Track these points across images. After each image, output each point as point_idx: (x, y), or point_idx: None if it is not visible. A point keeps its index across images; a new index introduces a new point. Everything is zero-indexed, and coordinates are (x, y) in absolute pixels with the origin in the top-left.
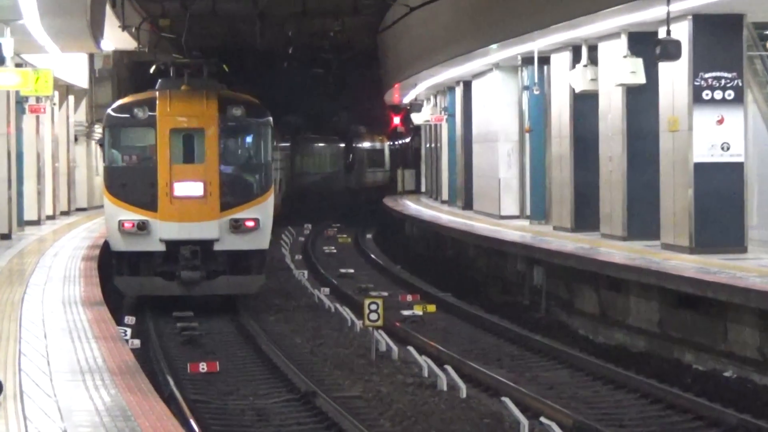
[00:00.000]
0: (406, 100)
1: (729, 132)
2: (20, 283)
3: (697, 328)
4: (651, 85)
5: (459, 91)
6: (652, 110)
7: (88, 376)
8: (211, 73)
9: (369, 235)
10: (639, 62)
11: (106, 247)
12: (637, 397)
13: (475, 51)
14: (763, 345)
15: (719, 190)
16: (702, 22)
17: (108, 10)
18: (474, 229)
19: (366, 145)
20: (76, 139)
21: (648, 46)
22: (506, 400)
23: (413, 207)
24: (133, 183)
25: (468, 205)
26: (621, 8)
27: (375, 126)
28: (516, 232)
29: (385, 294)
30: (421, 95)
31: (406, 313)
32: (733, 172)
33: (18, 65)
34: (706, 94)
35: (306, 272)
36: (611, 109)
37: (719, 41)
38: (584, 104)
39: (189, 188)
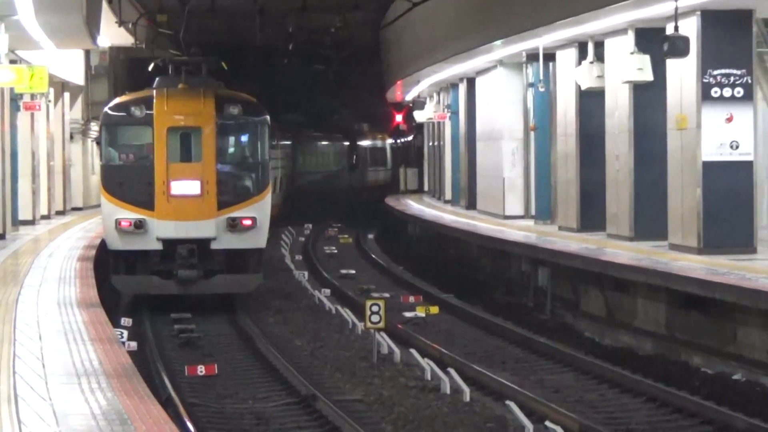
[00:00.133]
0: (409, 97)
1: (738, 130)
2: (15, 284)
3: (705, 331)
4: (658, 83)
5: (462, 89)
6: (660, 108)
7: (84, 379)
8: (210, 70)
9: (370, 236)
10: (646, 59)
11: (102, 247)
12: (644, 401)
13: (479, 47)
14: None
15: (728, 190)
16: (711, 17)
17: (104, 5)
18: (478, 229)
19: (369, 143)
20: (71, 137)
21: (655, 42)
22: (510, 403)
23: (416, 207)
24: (130, 181)
25: (471, 204)
26: (628, 4)
27: (377, 124)
28: (520, 232)
29: (387, 295)
30: (424, 92)
31: (408, 314)
32: (743, 171)
33: (13, 62)
34: (715, 92)
35: (306, 273)
36: (618, 106)
37: (728, 37)
38: (590, 102)
39: (186, 187)
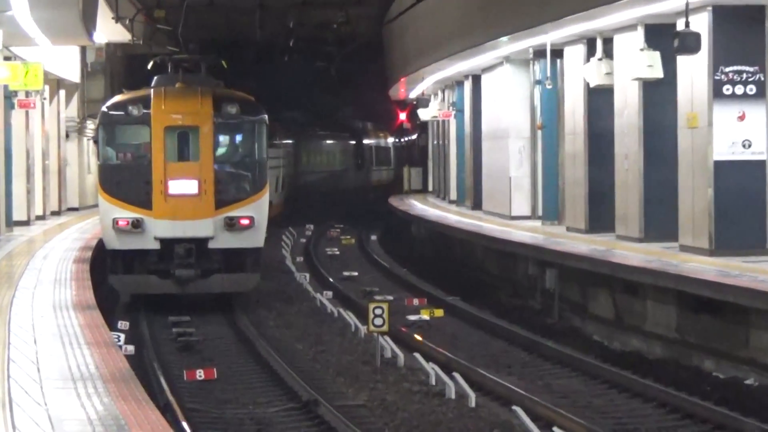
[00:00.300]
0: (413, 95)
1: (750, 128)
2: (9, 287)
3: (716, 334)
4: (669, 80)
5: (468, 86)
6: (670, 106)
7: (80, 383)
8: (209, 68)
9: (374, 237)
10: (656, 55)
11: (98, 249)
12: (654, 406)
13: (485, 43)
14: None
15: (740, 190)
16: (722, 13)
17: (101, 0)
18: (483, 230)
19: (374, 142)
20: (67, 136)
21: (666, 38)
22: (517, 409)
23: (420, 207)
24: (127, 181)
25: (477, 205)
26: None
27: (380, 122)
28: (527, 233)
29: (391, 298)
30: (429, 90)
31: (412, 317)
32: (755, 170)
33: (7, 58)
34: (727, 89)
35: (308, 275)
36: (627, 104)
37: (740, 33)
38: (599, 99)
39: (184, 186)
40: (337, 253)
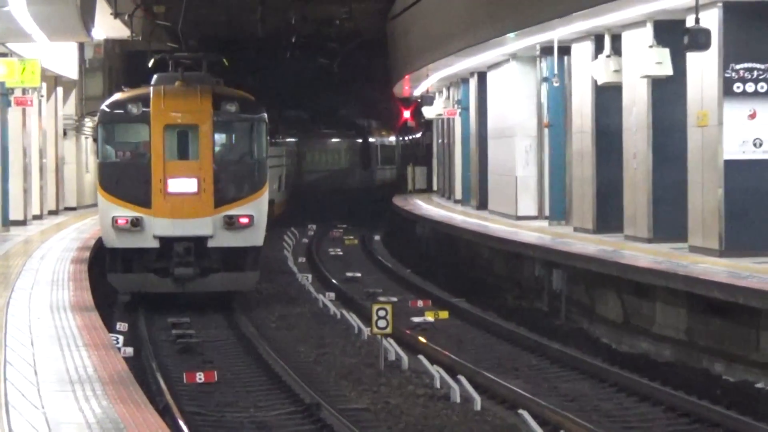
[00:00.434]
0: (417, 92)
1: (761, 127)
2: (5, 288)
3: (727, 337)
4: (678, 77)
5: (473, 83)
6: (680, 104)
7: (78, 386)
8: (210, 66)
9: (377, 237)
10: (666, 52)
11: (96, 249)
12: (664, 410)
13: (491, 40)
14: None
15: (751, 189)
16: (733, 9)
17: None
18: (489, 231)
19: (378, 140)
20: (65, 134)
21: (675, 35)
22: (523, 413)
23: (424, 207)
24: (126, 179)
25: (483, 204)
26: None
27: (384, 120)
28: (534, 233)
29: (395, 299)
30: (433, 87)
31: (416, 319)
32: (766, 170)
33: (3, 55)
34: (738, 87)
35: (310, 276)
36: (636, 102)
37: (751, 30)
38: (607, 97)
39: (183, 185)
40: (340, 253)
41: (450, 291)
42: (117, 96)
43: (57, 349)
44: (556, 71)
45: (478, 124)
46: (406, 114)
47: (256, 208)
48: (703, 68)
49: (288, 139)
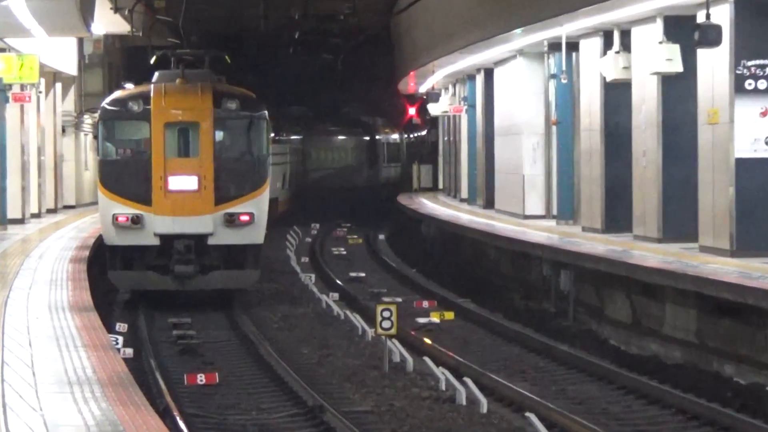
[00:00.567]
0: (423, 89)
1: None
2: (2, 287)
3: (738, 338)
4: (689, 74)
5: (480, 80)
6: (690, 101)
7: (77, 387)
8: (212, 62)
9: (382, 236)
10: (676, 49)
11: (96, 248)
12: (673, 413)
13: (498, 36)
14: None
15: (763, 188)
16: (744, 5)
17: None
18: (496, 230)
19: (383, 138)
20: (63, 131)
21: (686, 31)
22: (531, 415)
23: (430, 205)
24: (127, 177)
25: (489, 203)
26: None
27: (389, 117)
28: (541, 233)
29: (399, 300)
30: (439, 84)
31: (421, 320)
32: None
33: (1, 50)
34: (749, 84)
35: (313, 276)
36: (645, 99)
37: (763, 26)
38: (616, 94)
39: (183, 182)
40: (344, 253)
41: (456, 291)
42: (118, 93)
43: (55, 350)
44: (564, 68)
45: (485, 122)
46: (412, 111)
47: (256, 206)
48: (714, 65)
49: (292, 137)
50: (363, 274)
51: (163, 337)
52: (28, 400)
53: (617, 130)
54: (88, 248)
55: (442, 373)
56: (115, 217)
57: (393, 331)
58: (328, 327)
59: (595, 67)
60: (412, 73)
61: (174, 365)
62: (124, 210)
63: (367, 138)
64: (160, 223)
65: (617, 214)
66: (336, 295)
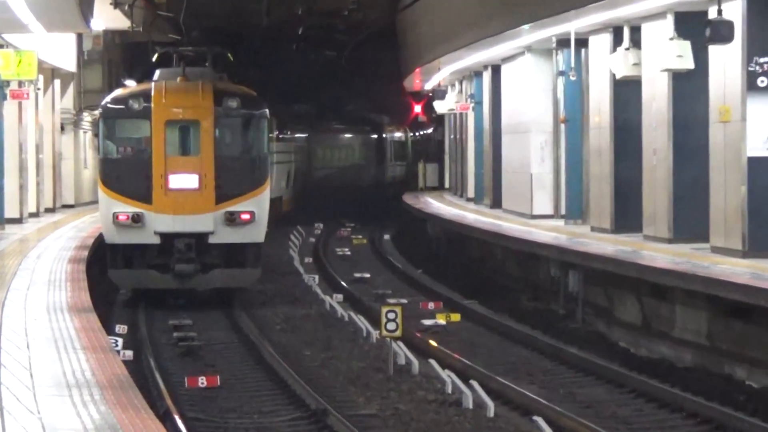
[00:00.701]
0: (428, 86)
1: None
2: (0, 288)
3: (750, 341)
4: (700, 71)
5: (487, 77)
6: (701, 98)
7: (75, 390)
8: (214, 59)
9: (386, 236)
10: (687, 45)
11: (95, 248)
12: (684, 417)
13: (505, 32)
14: None
15: None
16: (757, 0)
17: None
18: (503, 230)
19: (389, 136)
20: (62, 128)
21: (697, 27)
22: (538, 419)
23: (436, 205)
24: (128, 175)
25: (496, 203)
26: None
27: (394, 115)
28: (549, 233)
29: (405, 301)
30: (445, 81)
31: (427, 322)
32: None
33: None
34: (762, 81)
35: (317, 277)
36: (656, 97)
37: None
38: (626, 91)
39: (184, 180)
40: (348, 253)
41: (462, 292)
42: (119, 91)
43: (54, 352)
44: (572, 64)
45: (492, 120)
46: (417, 108)
47: (257, 205)
48: (726, 62)
49: (297, 135)
50: (368, 275)
51: (163, 339)
52: (26, 403)
53: (627, 128)
54: (87, 248)
55: (448, 375)
56: (115, 216)
57: (398, 333)
58: (332, 329)
59: (605, 63)
60: (417, 69)
61: (174, 368)
62: (125, 208)
63: (375, 136)
64: (160, 222)
65: (627, 214)
66: (340, 296)
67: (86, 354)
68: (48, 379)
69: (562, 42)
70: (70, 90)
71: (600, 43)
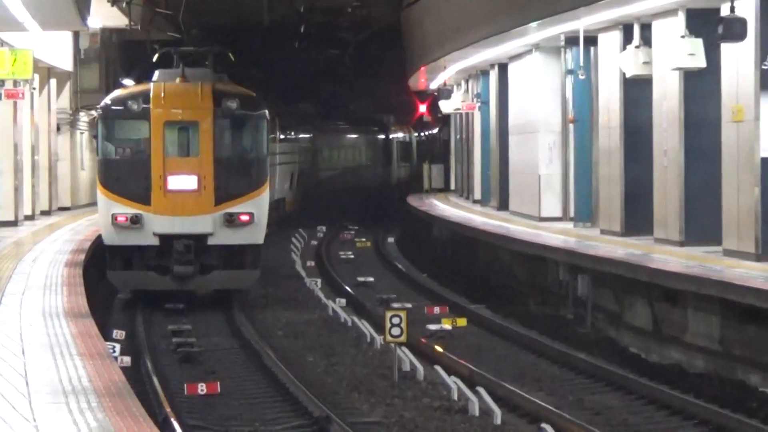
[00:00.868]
0: (434, 85)
1: None
2: None
3: (764, 346)
4: (712, 69)
5: (494, 76)
6: (714, 98)
7: (72, 397)
8: (215, 59)
9: (391, 239)
10: (699, 43)
11: (92, 251)
12: (696, 424)
13: (513, 30)
14: None
15: None
16: None
17: None
18: (510, 233)
19: (395, 136)
20: (58, 129)
21: (709, 24)
22: (546, 426)
23: (441, 207)
24: (126, 176)
25: (503, 205)
26: None
27: (399, 115)
28: (558, 235)
29: (409, 306)
30: (451, 80)
31: (432, 327)
32: None
33: None
34: None
35: (319, 281)
36: (667, 96)
37: None
38: (636, 91)
39: (183, 182)
40: (352, 256)
41: (468, 297)
42: (117, 92)
43: (50, 358)
44: (581, 63)
45: (499, 119)
46: (422, 108)
47: (256, 206)
48: (739, 60)
49: (301, 135)
50: (371, 279)
51: (162, 345)
52: (21, 410)
53: (637, 128)
54: (83, 252)
55: (454, 382)
56: (114, 217)
57: (403, 338)
58: (335, 334)
59: (615, 62)
60: (422, 68)
61: (174, 374)
62: (124, 210)
63: (381, 137)
64: (159, 223)
65: (637, 216)
66: (343, 301)
67: (83, 360)
68: (44, 386)
69: (571, 40)
70: (67, 89)
71: (609, 41)
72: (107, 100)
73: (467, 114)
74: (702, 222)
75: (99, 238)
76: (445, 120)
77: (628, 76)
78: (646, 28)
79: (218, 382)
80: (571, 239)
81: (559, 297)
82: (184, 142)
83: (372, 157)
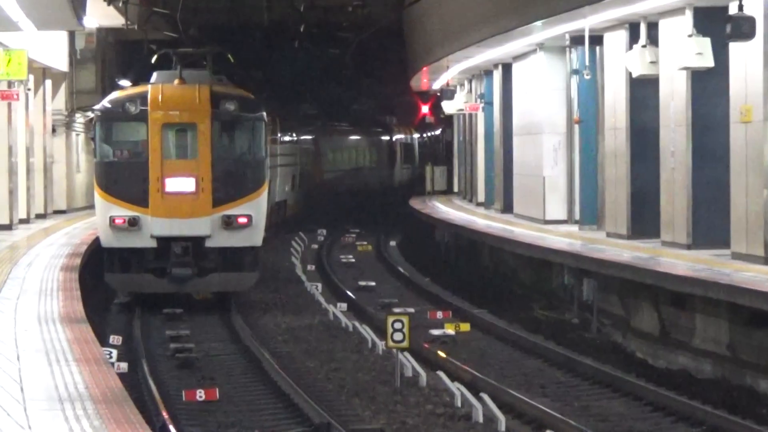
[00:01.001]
0: (436, 85)
1: None
2: None
3: None
4: (720, 69)
5: (497, 76)
6: (722, 98)
7: (68, 404)
8: (214, 60)
9: (393, 243)
10: (706, 42)
11: (88, 256)
12: (704, 431)
13: (517, 29)
14: None
15: None
16: None
17: None
18: (514, 236)
19: (398, 138)
20: (54, 130)
21: (717, 23)
22: None
23: (444, 210)
24: (124, 178)
25: (507, 207)
26: None
27: (400, 116)
28: (563, 239)
29: (412, 310)
30: (454, 80)
31: (435, 332)
32: None
33: None
34: None
35: (320, 285)
36: (674, 96)
37: None
38: (643, 91)
39: (181, 184)
40: (353, 260)
41: (472, 301)
42: (115, 94)
43: (45, 365)
44: (587, 63)
45: (503, 120)
46: (425, 109)
47: (254, 208)
48: (747, 59)
49: (303, 136)
50: (373, 283)
51: (160, 350)
52: (16, 417)
53: (644, 129)
54: (79, 256)
55: (457, 388)
56: (111, 219)
57: (405, 343)
58: (336, 339)
59: (621, 61)
60: (425, 68)
61: (171, 380)
62: (121, 212)
63: (384, 138)
64: (157, 226)
65: (644, 219)
66: (344, 306)
67: (79, 366)
68: (39, 392)
69: (576, 39)
70: (62, 90)
71: (615, 40)
72: (105, 101)
73: (470, 115)
74: (710, 225)
75: (95, 241)
76: (448, 121)
77: (634, 75)
78: (652, 27)
79: (217, 389)
80: (577, 242)
81: (565, 301)
82: (181, 145)
83: (374, 159)
